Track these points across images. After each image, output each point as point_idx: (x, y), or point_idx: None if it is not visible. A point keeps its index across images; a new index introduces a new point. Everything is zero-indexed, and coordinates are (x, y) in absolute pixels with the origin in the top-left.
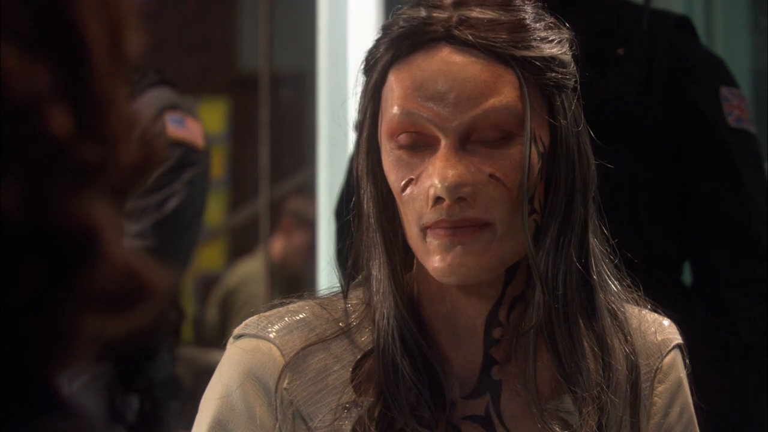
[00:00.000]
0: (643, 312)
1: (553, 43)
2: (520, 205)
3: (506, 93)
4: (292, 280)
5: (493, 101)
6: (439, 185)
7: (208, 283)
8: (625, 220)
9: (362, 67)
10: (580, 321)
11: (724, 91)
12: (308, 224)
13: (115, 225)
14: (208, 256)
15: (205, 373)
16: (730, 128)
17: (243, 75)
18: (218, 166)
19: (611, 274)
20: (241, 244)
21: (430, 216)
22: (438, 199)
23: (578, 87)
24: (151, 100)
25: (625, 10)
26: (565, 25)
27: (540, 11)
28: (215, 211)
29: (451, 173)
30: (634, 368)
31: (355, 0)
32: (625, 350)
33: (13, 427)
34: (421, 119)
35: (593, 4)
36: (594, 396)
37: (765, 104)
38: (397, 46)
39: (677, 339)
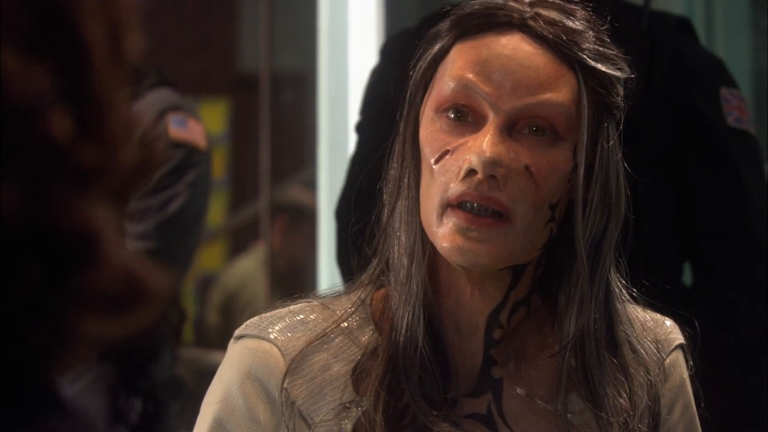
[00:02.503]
0: (646, 312)
1: (615, 68)
2: (543, 206)
3: (564, 93)
4: (292, 275)
5: (550, 95)
6: (475, 158)
7: (208, 284)
8: (625, 220)
9: (424, 40)
10: (606, 353)
11: (724, 91)
12: (306, 216)
13: (115, 227)
14: (209, 257)
15: (206, 373)
16: (730, 129)
17: (243, 75)
18: (219, 166)
19: (627, 298)
20: (242, 244)
21: (457, 187)
22: (470, 172)
23: (621, 124)
24: (152, 101)
25: (625, 11)
26: (628, 64)
27: (606, 39)
28: (216, 211)
29: (490, 149)
30: (657, 400)
31: (356, 1)
32: (648, 380)
33: (13, 428)
34: (476, 93)
35: (593, 4)
36: (620, 423)
37: (765, 105)
38: (467, 23)
39: (679, 339)
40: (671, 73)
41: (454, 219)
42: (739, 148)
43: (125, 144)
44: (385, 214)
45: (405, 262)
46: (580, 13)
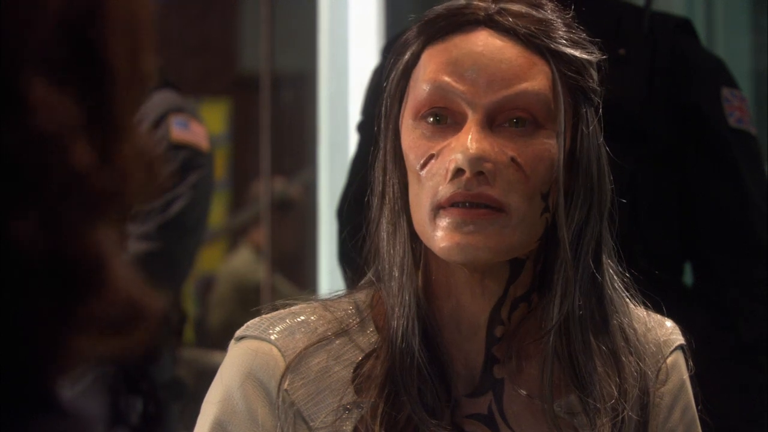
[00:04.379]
0: (648, 313)
1: (585, 51)
2: (535, 197)
3: (539, 80)
4: (283, 268)
5: (525, 85)
6: (461, 156)
7: (209, 285)
8: (625, 220)
9: (393, 51)
10: (592, 338)
11: (725, 92)
12: (289, 208)
13: (119, 250)
14: (209, 257)
15: (207, 374)
16: (731, 129)
17: (244, 76)
18: (219, 167)
19: (627, 294)
20: (242, 244)
21: (447, 189)
22: (458, 172)
23: (600, 110)
24: (155, 103)
25: (626, 11)
26: (598, 48)
27: (575, 26)
28: (216, 212)
29: (474, 146)
30: (646, 392)
31: (356, 1)
32: (638, 371)
33: (13, 429)
34: (452, 93)
35: (594, 5)
36: (607, 410)
37: (765, 105)
38: (433, 27)
39: (680, 340)
40: (672, 74)
41: (448, 218)
42: (739, 149)
43: (136, 168)
44: (372, 227)
45: (396, 274)
46: (547, 4)
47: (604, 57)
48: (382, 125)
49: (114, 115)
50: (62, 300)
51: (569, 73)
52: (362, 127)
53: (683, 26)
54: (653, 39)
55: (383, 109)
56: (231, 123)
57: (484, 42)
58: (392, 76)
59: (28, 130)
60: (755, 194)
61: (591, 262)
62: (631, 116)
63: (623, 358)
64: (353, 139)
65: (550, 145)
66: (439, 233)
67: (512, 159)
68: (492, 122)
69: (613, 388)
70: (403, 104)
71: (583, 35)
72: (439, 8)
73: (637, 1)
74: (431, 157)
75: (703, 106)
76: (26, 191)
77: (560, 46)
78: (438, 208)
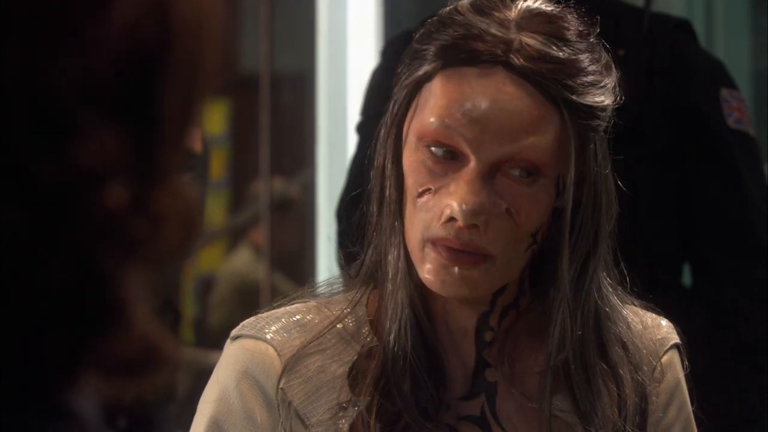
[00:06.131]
0: (642, 313)
1: (603, 89)
2: (523, 238)
3: (548, 134)
4: (283, 267)
5: (533, 140)
6: (457, 208)
7: (208, 285)
8: (625, 220)
9: (406, 53)
10: (590, 355)
11: (724, 93)
12: (288, 207)
13: (144, 296)
14: (209, 257)
15: (206, 374)
16: (730, 130)
17: (244, 76)
18: (219, 166)
19: (620, 301)
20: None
21: (438, 230)
22: (451, 219)
23: (611, 128)
24: None
25: (625, 12)
26: (617, 65)
27: (597, 49)
28: (216, 212)
29: (472, 200)
30: (644, 398)
31: (355, 2)
32: (636, 379)
33: (3, 428)
34: (458, 136)
35: (593, 5)
36: (607, 429)
37: (765, 105)
38: (451, 51)
39: (675, 339)
40: (671, 75)
41: (435, 257)
42: (739, 149)
43: (172, 221)
44: (372, 224)
45: (390, 274)
46: (570, 28)
47: (618, 81)
48: (387, 127)
49: (157, 163)
50: (77, 333)
51: (582, 121)
52: (361, 128)
53: (682, 27)
54: (652, 39)
55: (390, 111)
56: (230, 123)
57: (498, 88)
58: (402, 81)
59: (68, 161)
60: (755, 195)
61: (594, 293)
62: (630, 116)
63: (621, 372)
64: (352, 139)
65: (548, 191)
66: (426, 266)
67: (506, 210)
68: (495, 171)
69: (614, 406)
70: (410, 113)
71: (605, 64)
72: (459, 28)
73: (637, 2)
74: (428, 190)
75: (702, 106)
76: (56, 223)
77: (574, 96)
78: (428, 242)
